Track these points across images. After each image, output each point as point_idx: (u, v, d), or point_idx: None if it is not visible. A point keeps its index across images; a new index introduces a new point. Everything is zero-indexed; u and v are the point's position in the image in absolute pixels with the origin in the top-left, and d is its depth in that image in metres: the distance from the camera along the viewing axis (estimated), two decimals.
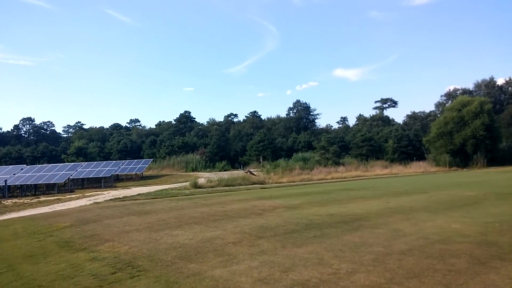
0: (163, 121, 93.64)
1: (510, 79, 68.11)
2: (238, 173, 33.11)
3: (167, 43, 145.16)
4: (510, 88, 68.09)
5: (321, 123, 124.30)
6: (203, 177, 30.43)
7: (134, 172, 39.08)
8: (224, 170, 42.79)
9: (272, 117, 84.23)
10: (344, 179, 29.18)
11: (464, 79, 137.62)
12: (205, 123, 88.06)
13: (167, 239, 8.23)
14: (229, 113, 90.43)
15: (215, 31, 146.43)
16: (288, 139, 62.80)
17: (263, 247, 7.15)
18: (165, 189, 23.11)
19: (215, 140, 58.71)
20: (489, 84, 68.01)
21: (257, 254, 6.68)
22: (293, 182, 26.81)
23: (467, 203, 12.25)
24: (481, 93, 65.17)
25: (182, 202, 15.62)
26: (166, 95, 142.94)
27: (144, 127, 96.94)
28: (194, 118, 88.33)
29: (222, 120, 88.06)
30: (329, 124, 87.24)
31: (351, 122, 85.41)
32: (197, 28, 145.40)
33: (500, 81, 68.72)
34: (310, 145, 56.38)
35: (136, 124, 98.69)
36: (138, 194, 20.38)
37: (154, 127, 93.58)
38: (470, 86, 69.85)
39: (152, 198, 18.18)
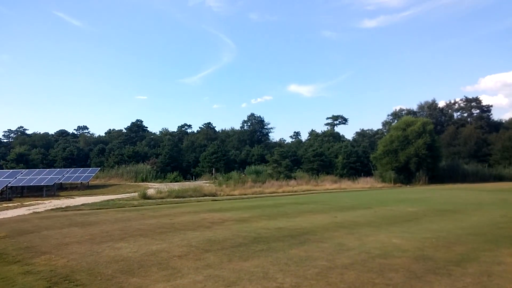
0: (113, 129, 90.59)
1: (450, 102, 73.04)
2: (190, 184, 32.64)
3: (120, 49, 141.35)
4: (450, 110, 72.90)
5: (274, 137, 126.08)
6: (153, 187, 29.68)
7: (79, 181, 37.35)
8: (176, 181, 42.00)
9: (226, 129, 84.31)
10: (295, 193, 29.61)
11: (409, 100, 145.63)
12: (158, 133, 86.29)
13: (109, 252, 7.91)
14: (183, 124, 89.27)
15: (171, 40, 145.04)
16: (242, 152, 62.97)
17: (209, 260, 7.07)
18: (112, 200, 22.26)
19: (167, 151, 57.52)
20: (431, 106, 72.43)
21: (203, 268, 6.58)
22: (245, 194, 26.82)
23: (408, 218, 12.85)
24: (424, 114, 69.21)
25: (128, 213, 15.12)
26: (117, 103, 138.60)
27: (92, 134, 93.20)
28: (146, 127, 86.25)
29: (175, 130, 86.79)
30: (283, 138, 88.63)
31: (304, 137, 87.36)
32: (152, 36, 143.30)
33: (441, 104, 73.53)
34: (263, 158, 56.83)
35: (84, 131, 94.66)
36: (82, 204, 19.46)
37: (103, 135, 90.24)
38: (414, 107, 74.09)
39: (97, 209, 17.44)
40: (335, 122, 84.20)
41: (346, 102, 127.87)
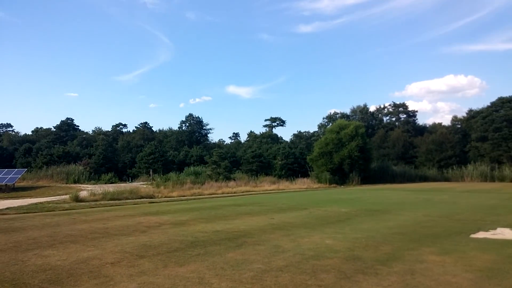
0: (41, 128, 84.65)
1: (380, 107, 77.52)
2: (126, 186, 31.42)
3: (47, 43, 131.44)
4: (380, 115, 77.36)
5: (213, 137, 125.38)
6: (86, 189, 28.16)
7: (4, 183, 34.36)
8: (111, 183, 40.20)
9: (164, 129, 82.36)
10: (234, 194, 29.69)
11: (343, 104, 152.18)
12: (90, 132, 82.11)
13: (36, 260, 7.38)
14: (117, 123, 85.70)
15: (105, 35, 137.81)
16: (180, 153, 61.89)
17: (144, 267, 6.85)
18: (40, 203, 20.76)
19: (101, 151, 54.87)
20: (363, 110, 76.39)
21: (136, 275, 6.37)
22: (184, 196, 26.38)
23: (340, 219, 13.43)
24: (357, 118, 72.81)
25: (58, 218, 14.20)
26: (45, 99, 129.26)
27: (17, 133, 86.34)
28: (78, 126, 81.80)
29: (109, 129, 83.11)
30: (222, 139, 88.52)
31: (243, 138, 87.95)
32: (84, 30, 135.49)
33: (372, 108, 77.77)
34: (202, 160, 56.34)
35: (8, 129, 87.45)
36: (7, 208, 17.93)
37: (30, 133, 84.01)
38: (348, 111, 77.68)
39: (23, 213, 16.16)
40: (273, 124, 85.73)
41: (283, 104, 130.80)
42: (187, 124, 79.01)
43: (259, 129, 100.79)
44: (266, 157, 55.24)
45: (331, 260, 7.30)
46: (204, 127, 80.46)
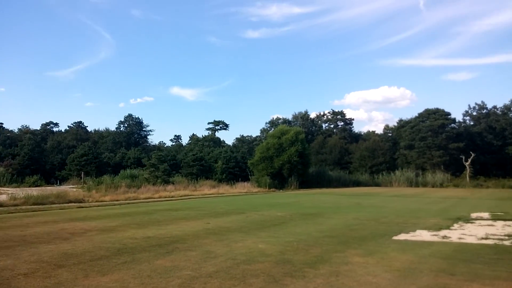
0: None
1: (319, 114, 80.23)
2: (52, 189, 29.44)
3: None
4: (319, 121, 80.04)
5: (154, 139, 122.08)
6: (6, 193, 26.00)
7: None
8: (36, 186, 37.54)
9: (100, 129, 78.72)
10: (172, 198, 29.01)
11: (285, 110, 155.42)
12: (16, 131, 76.26)
13: None
14: (48, 121, 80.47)
15: (39, 27, 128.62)
16: (116, 155, 59.48)
17: (61, 277, 6.38)
18: None
19: (27, 151, 51.05)
20: (304, 117, 78.59)
21: (52, 286, 5.91)
22: (117, 200, 25.25)
23: (276, 223, 13.58)
24: (297, 124, 74.68)
25: None
26: None
27: None
28: (2, 123, 75.65)
29: (38, 128, 77.79)
30: (162, 142, 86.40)
31: (185, 140, 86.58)
32: (17, 20, 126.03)
33: (312, 115, 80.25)
34: (140, 162, 54.57)
35: None
36: None
37: None
38: (290, 116, 79.46)
39: None
40: (217, 127, 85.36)
41: (228, 108, 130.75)
42: (126, 125, 76.24)
43: (202, 132, 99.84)
44: (208, 160, 54.81)
45: (262, 265, 7.31)
46: (144, 129, 78.14)
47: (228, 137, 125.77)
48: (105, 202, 23.93)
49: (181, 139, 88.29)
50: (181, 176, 47.68)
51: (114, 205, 22.37)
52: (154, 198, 29.03)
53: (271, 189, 43.58)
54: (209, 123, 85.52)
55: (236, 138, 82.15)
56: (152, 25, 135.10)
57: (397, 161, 59.46)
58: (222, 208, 19.54)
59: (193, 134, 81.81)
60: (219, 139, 78.33)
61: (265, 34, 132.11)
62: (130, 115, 77.01)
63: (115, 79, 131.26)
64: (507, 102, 58.45)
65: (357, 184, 53.94)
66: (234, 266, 7.18)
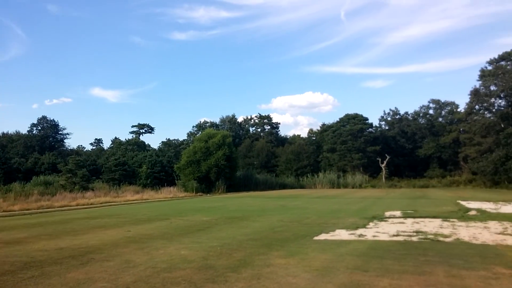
0: None
1: (247, 118, 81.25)
2: None
3: None
4: (247, 125, 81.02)
5: (71, 143, 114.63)
6: None
7: None
8: None
9: (9, 132, 71.89)
10: (91, 206, 27.34)
11: (213, 113, 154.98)
12: None
13: None
14: None
15: None
16: (28, 160, 54.71)
17: None
18: None
19: None
20: (232, 120, 79.03)
21: None
22: (28, 210, 23.16)
23: (200, 228, 13.39)
24: (225, 127, 74.86)
25: None
26: None
27: None
28: None
29: None
30: (81, 146, 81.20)
31: (106, 144, 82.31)
32: None
33: (240, 119, 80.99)
34: (55, 168, 50.77)
35: None
36: None
37: None
38: (217, 120, 79.36)
39: None
40: (141, 130, 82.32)
41: (153, 110, 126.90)
42: (39, 128, 70.48)
43: (125, 136, 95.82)
44: (131, 165, 52.65)
45: (183, 271, 7.13)
46: (60, 132, 72.93)
47: (153, 140, 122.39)
48: (13, 212, 21.87)
49: (102, 142, 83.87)
50: (102, 182, 45.28)
51: (24, 214, 20.53)
52: (71, 206, 27.17)
53: (198, 194, 43.07)
54: (133, 126, 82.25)
55: (162, 142, 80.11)
56: (70, 22, 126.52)
57: (320, 164, 62.19)
58: (145, 215, 18.83)
59: (116, 138, 78.16)
60: (144, 143, 75.67)
61: (192, 37, 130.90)
62: (44, 117, 71.47)
63: (27, 78, 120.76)
64: (417, 109, 64.25)
65: (283, 186, 55.37)
66: (154, 275, 6.92)
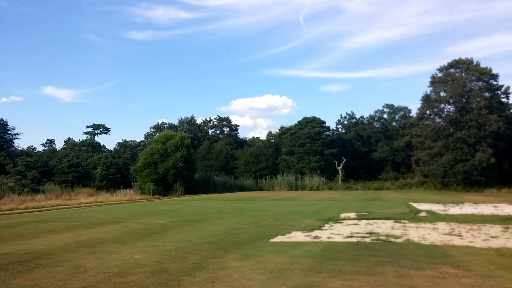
0: None
1: (206, 120, 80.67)
2: None
3: None
4: (206, 127, 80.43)
5: (21, 144, 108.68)
6: None
7: None
8: None
9: None
10: (41, 209, 26.11)
11: (172, 115, 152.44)
12: None
13: None
14: None
15: None
16: None
17: None
18: None
19: None
20: (190, 122, 78.17)
21: None
22: None
23: (156, 231, 13.16)
24: (184, 129, 73.87)
25: None
26: None
27: None
28: None
29: None
30: (32, 146, 77.35)
31: (59, 145, 78.84)
32: None
33: (199, 120, 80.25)
34: (3, 169, 48.02)
35: None
36: None
37: None
38: (176, 121, 78.21)
39: None
40: (96, 131, 79.49)
41: (109, 111, 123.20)
42: None
43: (79, 136, 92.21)
44: (85, 167, 50.77)
45: (136, 276, 7.00)
46: (9, 132, 68.96)
47: (109, 142, 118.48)
48: None
49: (54, 143, 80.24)
50: (54, 184, 43.35)
51: None
52: (20, 209, 25.88)
53: (155, 196, 42.23)
54: (87, 126, 79.25)
55: (118, 143, 77.88)
56: (19, 17, 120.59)
57: (279, 166, 62.85)
58: (98, 218, 18.23)
59: (69, 138, 75.06)
60: (99, 144, 73.19)
61: (151, 36, 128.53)
62: None
63: None
64: (372, 113, 66.51)
65: (242, 189, 55.45)
66: (105, 280, 6.75)
